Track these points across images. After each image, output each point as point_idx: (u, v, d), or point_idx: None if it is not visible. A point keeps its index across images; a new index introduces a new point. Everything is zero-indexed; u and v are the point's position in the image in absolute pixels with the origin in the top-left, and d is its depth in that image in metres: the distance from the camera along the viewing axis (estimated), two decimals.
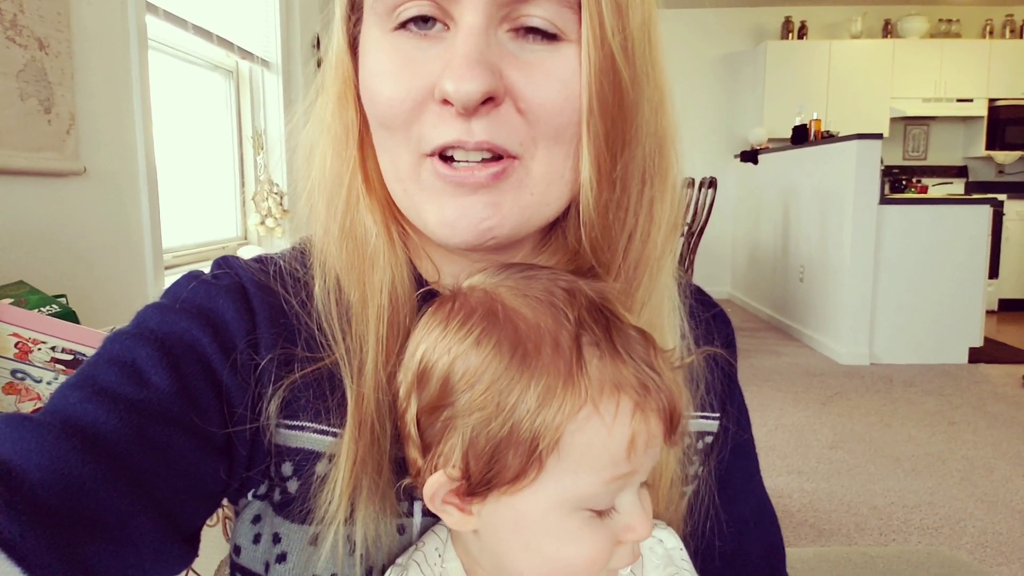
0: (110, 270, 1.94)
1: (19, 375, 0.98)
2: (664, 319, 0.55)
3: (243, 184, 3.07)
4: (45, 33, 1.69)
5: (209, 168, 2.89)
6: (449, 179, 0.46)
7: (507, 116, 0.45)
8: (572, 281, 0.45)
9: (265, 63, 3.10)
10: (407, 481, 0.48)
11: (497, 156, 0.46)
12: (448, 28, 0.45)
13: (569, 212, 0.51)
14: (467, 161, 0.46)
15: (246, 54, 2.93)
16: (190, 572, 0.69)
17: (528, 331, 0.42)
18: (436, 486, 0.44)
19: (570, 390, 0.40)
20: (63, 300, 1.41)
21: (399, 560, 0.49)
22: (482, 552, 0.47)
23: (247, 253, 0.50)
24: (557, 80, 0.45)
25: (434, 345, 0.44)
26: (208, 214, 2.86)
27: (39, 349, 1.00)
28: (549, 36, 0.45)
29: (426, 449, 0.45)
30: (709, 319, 0.63)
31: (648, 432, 0.42)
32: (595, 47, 0.44)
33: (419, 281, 0.54)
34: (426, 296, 0.52)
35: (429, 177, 0.47)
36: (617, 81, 0.46)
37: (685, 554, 0.53)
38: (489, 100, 0.44)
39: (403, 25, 0.46)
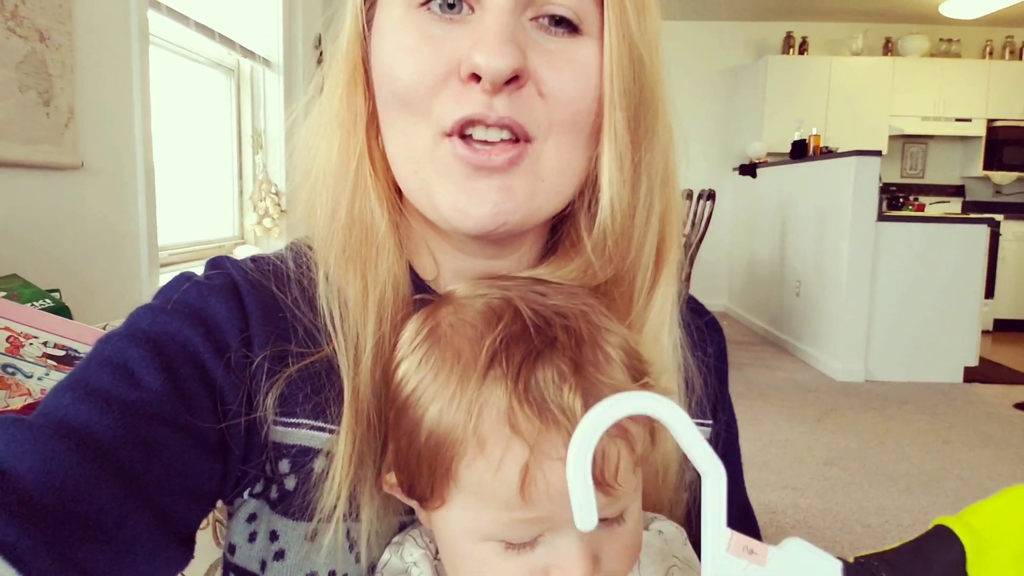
0: (105, 266, 1.93)
1: (10, 370, 0.97)
2: (664, 330, 0.54)
3: (241, 183, 3.05)
4: (46, 25, 1.68)
5: (207, 166, 2.88)
6: (467, 160, 0.46)
7: (529, 98, 0.46)
8: (526, 295, 0.44)
9: (267, 62, 3.09)
10: None
11: (514, 139, 0.46)
12: (474, 11, 0.46)
13: (579, 214, 0.52)
14: (486, 141, 0.46)
15: (248, 53, 2.92)
16: None
17: (448, 355, 0.42)
18: (390, 485, 0.47)
19: (461, 426, 0.40)
20: (56, 295, 1.40)
21: (395, 539, 0.50)
22: None
23: (243, 253, 0.50)
24: (578, 69, 0.46)
25: (399, 349, 0.46)
26: (205, 213, 2.85)
27: (31, 344, 0.99)
28: (571, 28, 0.46)
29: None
30: (701, 327, 0.63)
31: (547, 479, 0.38)
32: (619, 40, 0.46)
33: (415, 278, 0.54)
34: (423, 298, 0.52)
35: (446, 157, 0.47)
36: (640, 75, 0.47)
37: (686, 541, 0.52)
38: (514, 80, 0.44)
39: (426, 4, 0.46)
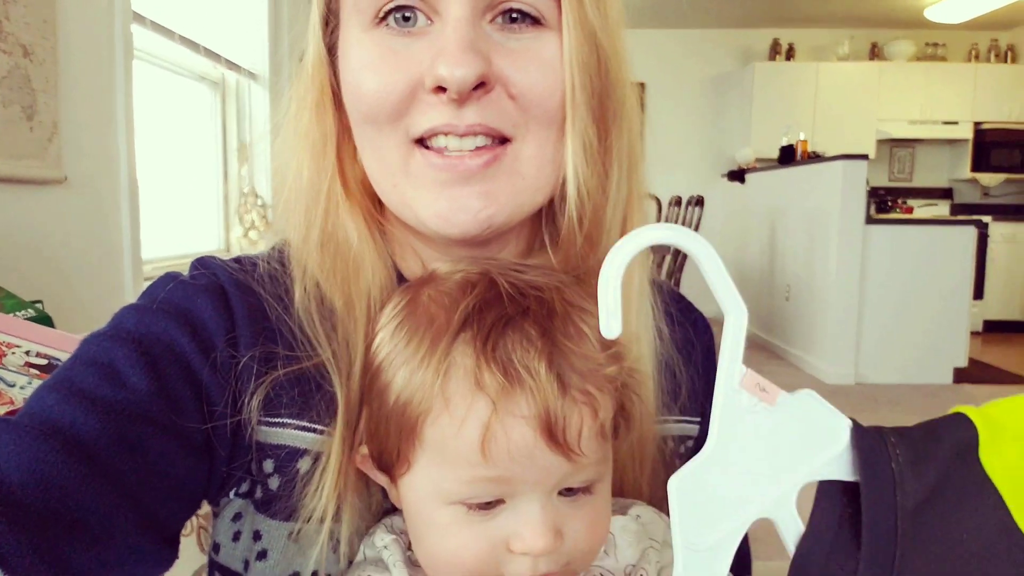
0: (89, 279, 1.93)
1: None
2: (631, 313, 0.54)
3: (227, 196, 3.06)
4: (30, 40, 1.69)
5: (192, 179, 2.88)
6: (440, 167, 0.46)
7: (498, 101, 0.46)
8: (505, 270, 0.46)
9: (252, 75, 3.11)
10: None
11: (489, 142, 0.47)
12: (432, 22, 0.46)
13: (557, 205, 0.52)
14: (460, 150, 0.46)
15: (233, 66, 2.94)
16: None
17: (423, 322, 0.44)
18: (361, 457, 0.48)
19: (428, 385, 0.41)
20: (39, 306, 1.40)
21: (370, 531, 0.50)
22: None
23: None
24: (545, 64, 0.46)
25: (378, 321, 0.48)
26: (190, 225, 2.85)
27: (13, 353, 0.98)
28: (532, 21, 0.46)
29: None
30: (689, 325, 0.63)
31: (508, 436, 0.40)
32: (576, 30, 0.46)
33: (401, 281, 0.54)
34: None
35: (419, 168, 0.47)
36: (600, 62, 0.47)
37: (665, 525, 0.52)
38: (480, 86, 0.45)
39: (384, 20, 0.47)
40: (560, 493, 0.43)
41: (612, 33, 0.48)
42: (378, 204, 0.54)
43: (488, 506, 0.42)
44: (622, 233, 0.52)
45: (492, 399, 0.40)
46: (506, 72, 0.46)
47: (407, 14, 0.46)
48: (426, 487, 0.43)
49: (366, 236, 0.52)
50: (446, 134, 0.46)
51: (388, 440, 0.44)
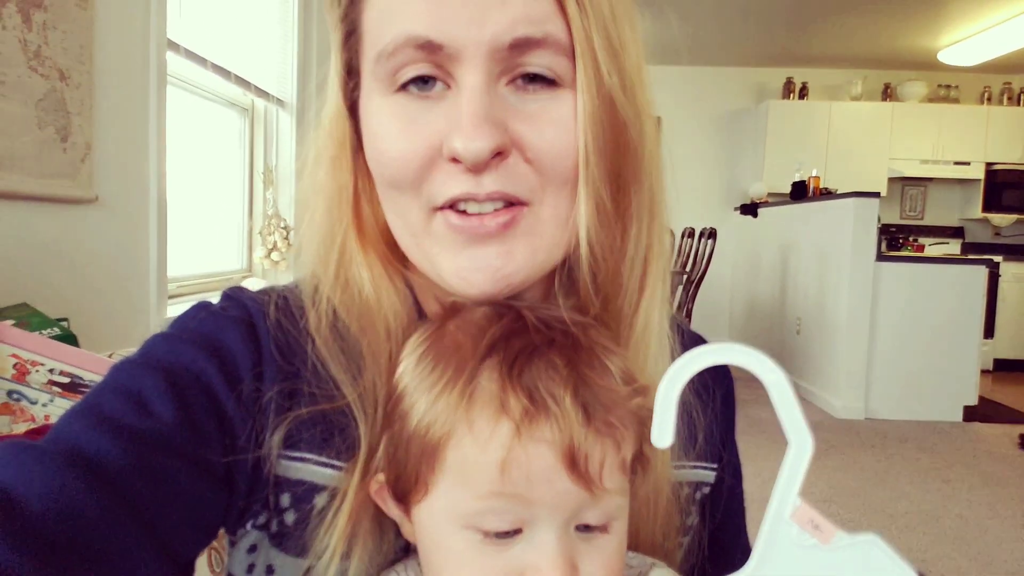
0: (115, 297, 1.97)
1: (15, 396, 0.99)
2: (649, 358, 0.54)
3: (251, 217, 3.11)
4: (67, 65, 1.75)
5: (218, 200, 2.94)
6: (461, 229, 0.47)
7: (515, 167, 0.46)
8: (531, 306, 0.47)
9: (280, 102, 3.18)
10: None
11: (508, 204, 0.47)
12: (449, 87, 0.46)
13: (568, 259, 0.52)
14: (479, 212, 0.46)
15: (262, 93, 3.01)
16: None
17: (448, 349, 0.45)
18: (377, 486, 0.47)
19: (452, 408, 0.42)
20: (65, 324, 1.43)
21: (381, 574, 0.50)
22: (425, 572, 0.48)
23: (251, 285, 0.52)
24: (561, 126, 0.46)
25: (402, 352, 0.48)
26: (214, 245, 2.90)
27: (37, 371, 1.01)
28: (549, 82, 0.46)
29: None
30: (708, 369, 0.62)
31: (529, 459, 0.40)
32: (591, 91, 0.45)
33: (421, 315, 0.55)
34: None
35: (441, 229, 0.48)
36: (617, 122, 0.47)
37: None
38: (497, 155, 0.45)
39: (404, 87, 0.47)
40: (577, 529, 0.43)
41: (631, 91, 0.48)
42: (399, 249, 0.54)
43: (504, 536, 0.41)
44: (640, 285, 0.53)
45: (516, 423, 0.40)
46: (524, 137, 0.46)
47: (425, 79, 0.46)
48: (443, 510, 0.43)
49: (385, 284, 0.53)
50: (468, 200, 0.46)
51: (407, 464, 0.44)
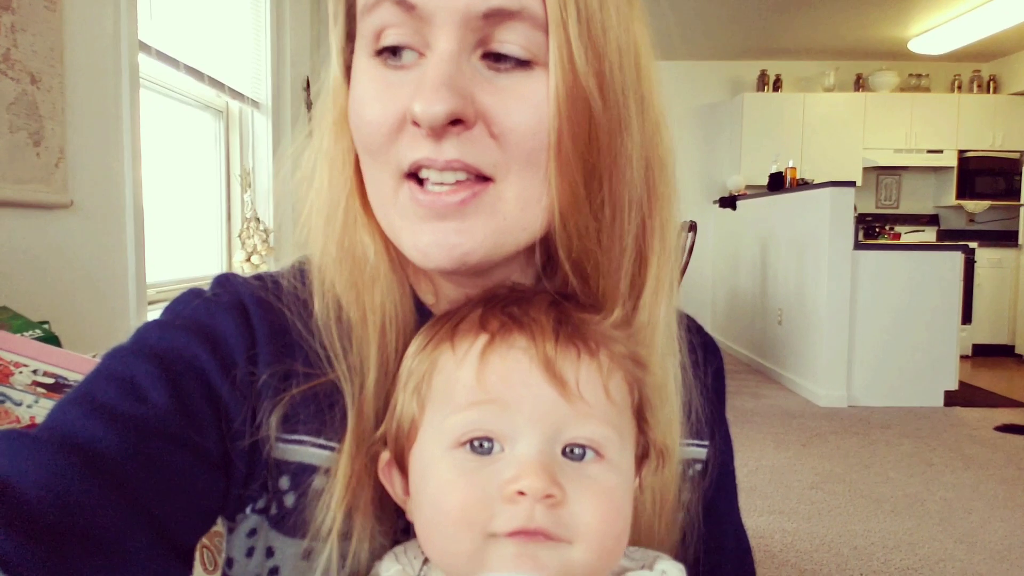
0: (94, 302, 1.94)
1: None
2: (655, 355, 0.53)
3: (229, 221, 3.08)
4: (38, 68, 1.73)
5: (196, 204, 2.91)
6: (421, 203, 0.47)
7: (479, 139, 0.46)
8: (524, 285, 0.50)
9: (255, 104, 3.15)
10: None
11: (473, 179, 0.47)
12: (423, 55, 0.46)
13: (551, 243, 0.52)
14: (441, 183, 0.46)
15: (236, 94, 2.98)
16: None
17: (445, 316, 0.48)
18: (383, 461, 0.48)
19: (440, 339, 0.45)
20: (46, 326, 1.41)
21: (383, 556, 0.50)
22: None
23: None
24: (530, 104, 0.45)
25: (409, 349, 0.50)
26: (193, 250, 2.87)
27: (20, 372, 0.99)
28: (521, 63, 0.45)
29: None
30: (699, 347, 0.63)
31: (505, 364, 0.42)
32: (562, 69, 0.45)
33: (418, 304, 0.55)
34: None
35: (405, 201, 0.48)
36: (588, 107, 0.46)
37: None
38: (459, 122, 0.44)
39: (379, 53, 0.47)
40: (566, 456, 0.42)
41: (609, 77, 0.47)
42: None
43: (488, 452, 0.42)
44: (638, 280, 0.53)
45: (492, 334, 0.43)
46: (490, 110, 0.45)
47: (394, 49, 0.47)
48: (430, 440, 0.44)
49: (382, 253, 0.53)
50: (427, 167, 0.46)
51: (404, 414, 0.46)
